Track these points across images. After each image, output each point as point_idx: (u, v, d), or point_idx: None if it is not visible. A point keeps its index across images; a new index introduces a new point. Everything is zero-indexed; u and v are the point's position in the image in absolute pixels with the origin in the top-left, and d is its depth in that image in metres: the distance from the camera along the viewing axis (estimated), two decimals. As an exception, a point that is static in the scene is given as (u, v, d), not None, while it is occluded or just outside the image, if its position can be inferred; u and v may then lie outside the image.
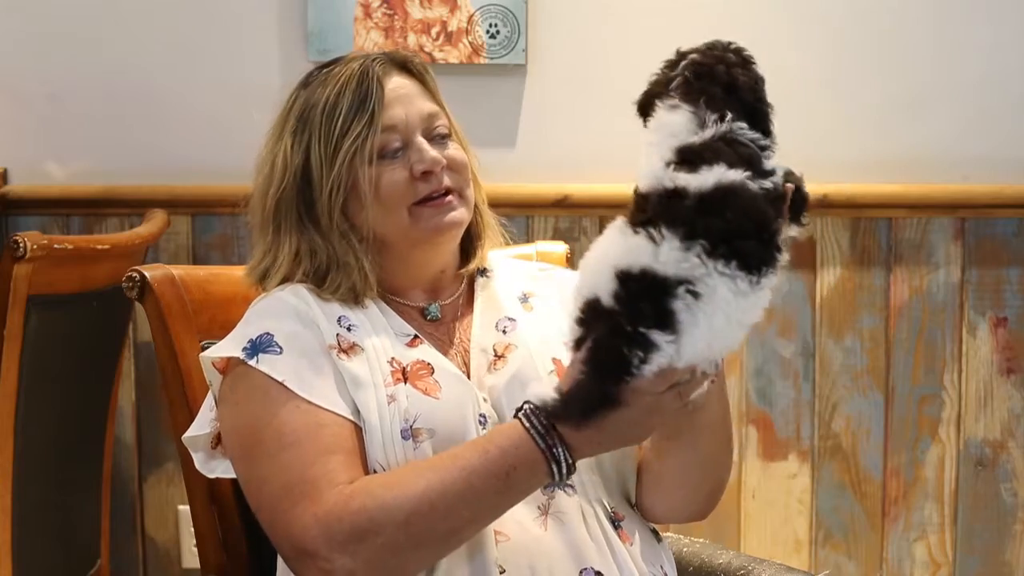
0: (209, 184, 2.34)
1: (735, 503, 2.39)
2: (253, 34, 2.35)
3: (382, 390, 1.27)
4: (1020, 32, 2.36)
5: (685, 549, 1.59)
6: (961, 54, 2.36)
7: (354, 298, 1.33)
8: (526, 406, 1.17)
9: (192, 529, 1.50)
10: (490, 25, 2.31)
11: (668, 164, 1.10)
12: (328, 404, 1.25)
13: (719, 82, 1.16)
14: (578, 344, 1.13)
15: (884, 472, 2.40)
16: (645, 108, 1.19)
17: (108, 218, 2.37)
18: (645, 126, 1.18)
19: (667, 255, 1.06)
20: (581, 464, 1.29)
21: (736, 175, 1.08)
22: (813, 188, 2.37)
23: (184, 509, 2.33)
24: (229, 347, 1.29)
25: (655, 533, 1.38)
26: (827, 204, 2.32)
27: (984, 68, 2.36)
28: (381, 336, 1.31)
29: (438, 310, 1.39)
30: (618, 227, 1.11)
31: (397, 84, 1.36)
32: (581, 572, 1.24)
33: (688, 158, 1.09)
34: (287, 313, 1.30)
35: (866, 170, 2.35)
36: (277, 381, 1.25)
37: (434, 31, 2.32)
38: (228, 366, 1.31)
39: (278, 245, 1.35)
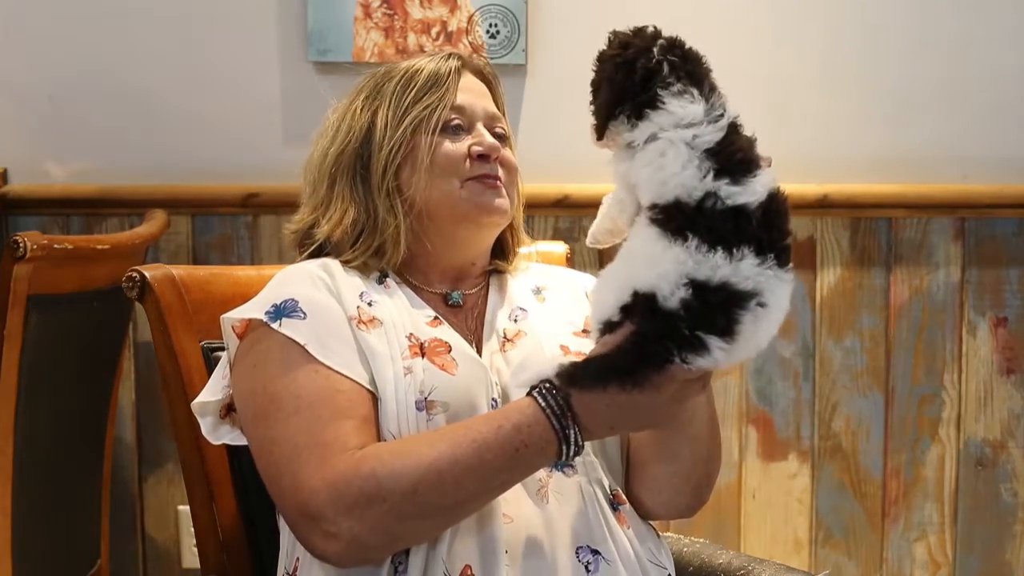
0: (209, 184, 2.34)
1: (735, 503, 2.40)
2: (253, 34, 2.35)
3: (399, 362, 1.28)
4: (1020, 32, 2.36)
5: (685, 549, 1.59)
6: (961, 54, 2.36)
7: (375, 266, 1.37)
8: (542, 385, 1.18)
9: (192, 529, 1.50)
10: (490, 25, 2.31)
11: (707, 173, 1.10)
12: (346, 370, 1.26)
13: (700, 61, 1.18)
14: (611, 328, 1.15)
15: (884, 472, 2.40)
16: (612, 108, 1.19)
17: (108, 218, 2.37)
18: (604, 127, 1.19)
19: (747, 271, 1.10)
20: None
21: (772, 177, 1.11)
22: (813, 188, 2.39)
23: (184, 509, 2.33)
24: (252, 309, 1.31)
25: (653, 528, 1.38)
26: (827, 204, 2.32)
27: (984, 68, 2.36)
28: (401, 312, 1.34)
29: (460, 297, 1.42)
30: (657, 233, 1.12)
31: (471, 81, 1.45)
32: (577, 550, 1.25)
33: (725, 165, 1.11)
34: (312, 282, 1.33)
35: (866, 170, 2.35)
36: (298, 344, 1.26)
37: (434, 31, 2.32)
38: (247, 330, 1.32)
39: (330, 200, 1.40)
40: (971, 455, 2.40)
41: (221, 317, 1.34)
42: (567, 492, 1.29)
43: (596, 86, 1.22)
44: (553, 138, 2.32)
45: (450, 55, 1.45)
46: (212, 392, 1.36)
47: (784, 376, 2.38)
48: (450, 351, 1.31)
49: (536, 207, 2.30)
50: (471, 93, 1.43)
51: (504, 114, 1.48)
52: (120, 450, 2.37)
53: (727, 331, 1.10)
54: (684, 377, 1.15)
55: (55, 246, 1.88)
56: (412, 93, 1.40)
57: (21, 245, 1.81)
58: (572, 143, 2.35)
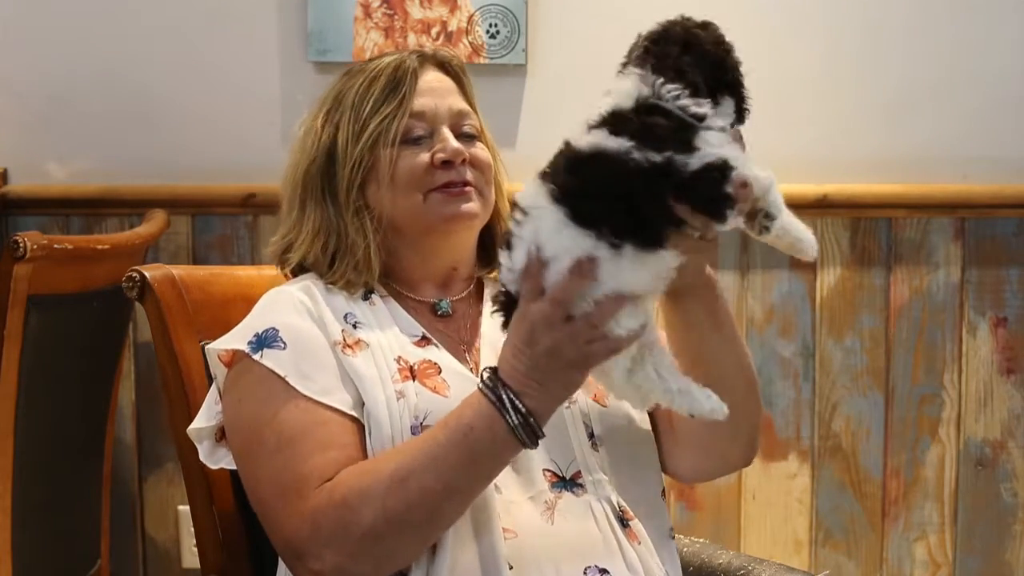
0: (209, 184, 2.34)
1: (735, 503, 2.39)
2: (253, 34, 2.35)
3: (390, 386, 1.27)
4: (1020, 32, 2.36)
5: (685, 549, 1.58)
6: (961, 54, 2.36)
7: (358, 281, 1.35)
8: (483, 371, 1.18)
9: (192, 529, 1.50)
10: (490, 25, 2.31)
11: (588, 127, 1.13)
12: (328, 400, 1.25)
13: (675, 40, 1.15)
14: None
15: (884, 472, 2.40)
16: None
17: (108, 218, 2.37)
18: None
19: (528, 190, 1.14)
20: (590, 463, 1.30)
21: (613, 143, 1.08)
22: (813, 188, 2.39)
23: (184, 509, 2.33)
24: (235, 340, 1.30)
25: (666, 536, 1.36)
26: (827, 204, 2.32)
27: (984, 68, 2.36)
28: (388, 334, 1.32)
29: (449, 306, 1.40)
30: None
31: (433, 78, 1.40)
32: (586, 570, 1.24)
33: (602, 123, 1.11)
34: (294, 309, 1.32)
35: (866, 170, 2.35)
36: (279, 376, 1.25)
37: (434, 31, 2.32)
38: (233, 359, 1.32)
39: (302, 221, 1.38)
40: (971, 455, 2.40)
41: (206, 348, 1.35)
42: (576, 512, 1.28)
43: None
44: (553, 138, 2.31)
45: (411, 52, 1.40)
46: (206, 418, 1.35)
47: (784, 376, 2.38)
48: (440, 372, 1.30)
49: (536, 207, 2.30)
50: (432, 93, 1.38)
51: (475, 107, 1.43)
52: (120, 450, 2.37)
53: (508, 244, 1.14)
54: (526, 309, 1.12)
55: (55, 246, 1.88)
56: (369, 105, 1.35)
57: (21, 245, 1.81)
58: (572, 143, 2.35)
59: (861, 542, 2.41)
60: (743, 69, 1.16)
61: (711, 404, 1.17)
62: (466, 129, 1.39)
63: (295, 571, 1.22)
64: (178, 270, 1.50)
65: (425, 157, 1.35)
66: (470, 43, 2.31)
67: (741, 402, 1.29)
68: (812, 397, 2.38)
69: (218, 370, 1.33)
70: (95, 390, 2.18)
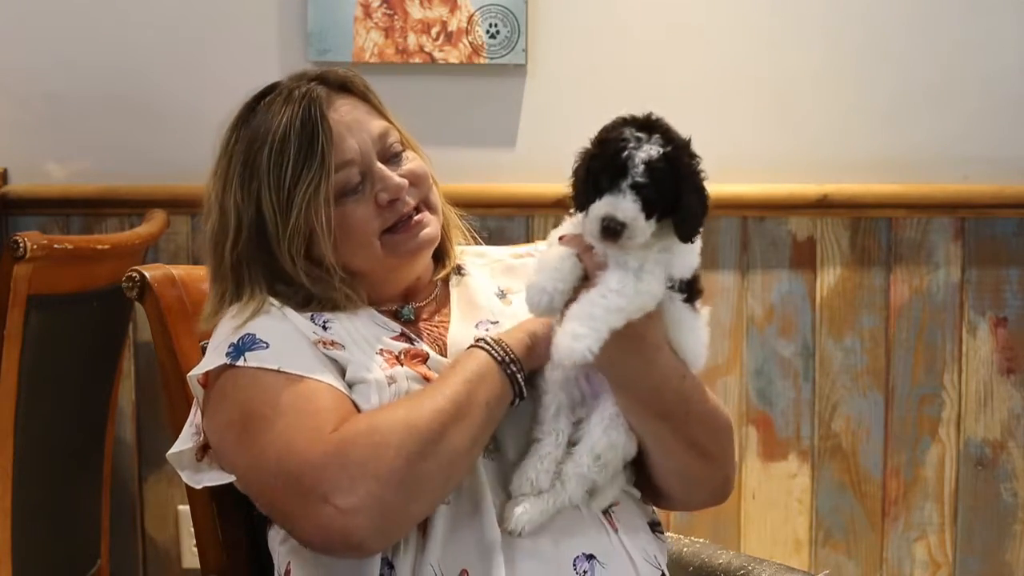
0: (209, 184, 2.34)
1: (735, 503, 2.39)
2: (253, 34, 2.35)
3: (379, 372, 1.26)
4: (1020, 32, 2.36)
5: (685, 549, 1.59)
6: (961, 54, 2.36)
7: (348, 305, 1.34)
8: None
9: (192, 529, 1.50)
10: (490, 25, 2.31)
11: None
12: (323, 378, 1.24)
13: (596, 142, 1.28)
14: None
15: (884, 472, 2.40)
16: None
17: (108, 218, 2.37)
18: None
19: None
20: None
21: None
22: (813, 188, 2.39)
23: (184, 509, 2.33)
24: (212, 359, 1.28)
25: (652, 524, 1.38)
26: (827, 204, 2.32)
27: (984, 68, 2.36)
28: (363, 332, 1.32)
29: (411, 311, 1.39)
30: None
31: (343, 111, 1.33)
32: (575, 560, 1.25)
33: None
34: (263, 315, 1.30)
35: (866, 170, 2.35)
36: (270, 370, 1.24)
37: (434, 31, 2.32)
38: (209, 378, 1.29)
39: (240, 293, 1.33)
40: (971, 455, 2.40)
41: (187, 376, 1.32)
42: None
43: None
44: (553, 138, 2.32)
45: (311, 84, 1.34)
46: (183, 442, 1.34)
47: (784, 376, 2.38)
48: (426, 360, 1.31)
49: (536, 207, 2.30)
50: (350, 130, 1.31)
51: (388, 117, 1.38)
52: (120, 450, 2.37)
53: None
54: None
55: (55, 246, 1.88)
56: (288, 170, 1.27)
57: (21, 245, 1.81)
58: (572, 143, 2.36)
59: (861, 542, 2.41)
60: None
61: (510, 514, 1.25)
62: (393, 148, 1.36)
63: (326, 533, 1.16)
64: (178, 270, 1.50)
65: (369, 206, 1.32)
66: (470, 43, 2.31)
67: (689, 470, 1.33)
68: (812, 397, 2.38)
69: (198, 392, 1.31)
70: (95, 390, 2.18)
